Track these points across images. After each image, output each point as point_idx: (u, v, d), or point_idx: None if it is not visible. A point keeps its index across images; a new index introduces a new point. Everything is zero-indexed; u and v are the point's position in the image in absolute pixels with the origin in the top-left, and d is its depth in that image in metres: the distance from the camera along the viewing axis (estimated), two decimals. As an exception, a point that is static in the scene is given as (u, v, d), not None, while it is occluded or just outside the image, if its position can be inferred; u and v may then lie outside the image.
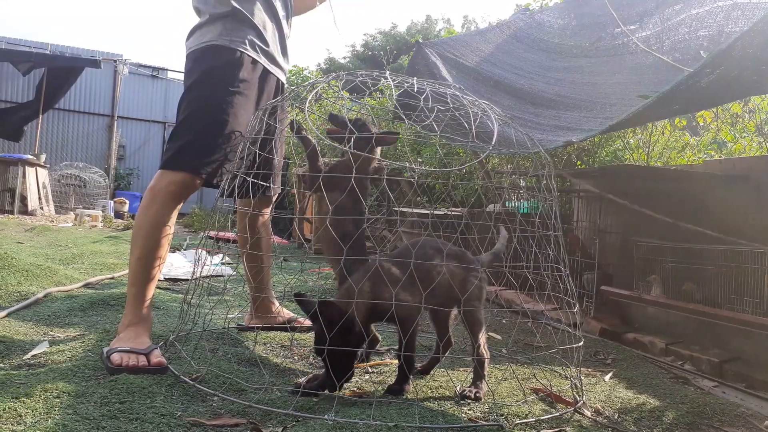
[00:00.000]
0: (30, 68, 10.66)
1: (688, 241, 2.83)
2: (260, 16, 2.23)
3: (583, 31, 4.68)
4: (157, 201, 2.01)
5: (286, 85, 2.48)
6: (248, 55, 2.16)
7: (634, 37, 4.13)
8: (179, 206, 2.06)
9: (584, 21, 4.69)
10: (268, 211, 2.51)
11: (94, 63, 11.23)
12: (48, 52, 12.41)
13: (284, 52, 2.40)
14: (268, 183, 2.30)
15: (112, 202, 10.96)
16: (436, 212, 3.56)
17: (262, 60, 2.23)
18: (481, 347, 1.80)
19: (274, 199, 2.54)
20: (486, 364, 1.80)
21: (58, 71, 10.92)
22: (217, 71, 2.11)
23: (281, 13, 2.35)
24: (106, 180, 11.85)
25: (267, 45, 2.26)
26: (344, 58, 26.02)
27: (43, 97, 10.74)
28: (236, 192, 2.07)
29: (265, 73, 2.25)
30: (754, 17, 3.09)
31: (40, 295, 2.79)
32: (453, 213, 4.00)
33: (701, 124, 5.06)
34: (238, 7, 2.17)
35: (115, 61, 13.69)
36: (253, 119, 2.08)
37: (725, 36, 3.27)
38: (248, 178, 1.96)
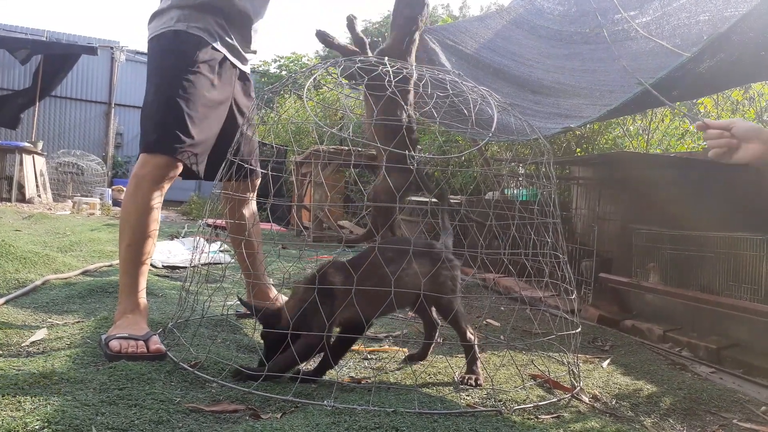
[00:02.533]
0: (28, 57, 10.60)
1: (688, 229, 2.83)
2: (224, 5, 2.19)
3: (583, 18, 4.64)
4: (142, 187, 2.01)
5: (250, 77, 2.46)
6: (206, 40, 2.14)
7: (635, 23, 4.10)
8: (164, 190, 2.06)
9: (584, 7, 4.66)
10: (253, 196, 2.50)
11: (91, 50, 11.16)
12: (44, 39, 12.32)
13: (249, 42, 2.36)
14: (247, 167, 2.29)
15: (110, 189, 10.94)
16: (434, 200, 3.55)
17: (222, 49, 2.20)
18: (467, 333, 1.81)
19: (257, 183, 2.54)
20: (476, 347, 1.81)
21: (55, 58, 10.85)
22: (175, 53, 2.10)
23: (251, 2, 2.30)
24: (104, 168, 11.82)
25: (230, 36, 2.23)
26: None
27: (39, 84, 10.67)
28: (222, 176, 2.07)
29: (224, 59, 2.22)
30: (753, 1, 3.07)
31: (38, 282, 2.79)
32: (452, 200, 4.00)
33: (701, 111, 5.04)
34: None
35: (111, 48, 13.61)
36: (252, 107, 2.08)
37: (725, 21, 3.25)
38: (238, 161, 1.98)
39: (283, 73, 16.45)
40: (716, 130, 1.59)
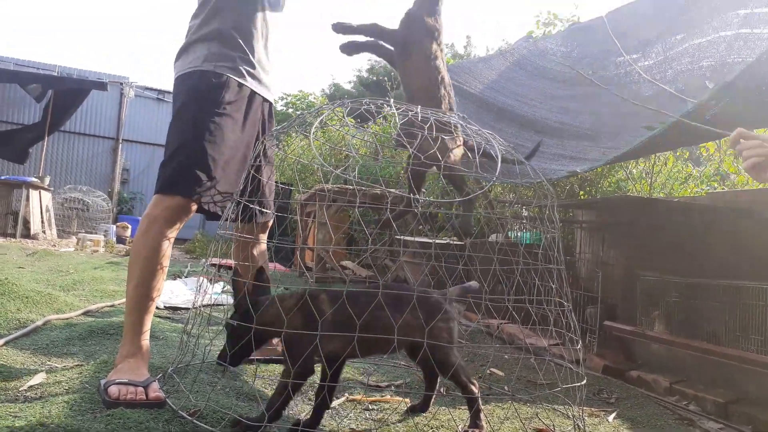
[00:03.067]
0: (42, 94, 10.77)
1: (692, 275, 2.80)
2: (247, 36, 2.22)
3: (585, 60, 4.70)
4: (154, 227, 2.01)
5: (273, 105, 2.47)
6: (234, 79, 2.16)
7: (637, 66, 4.15)
8: (176, 231, 2.06)
9: (587, 50, 4.72)
10: (264, 238, 2.49)
11: (101, 85, 11.33)
12: (56, 74, 12.54)
13: (269, 68, 2.36)
14: (262, 208, 2.30)
15: (115, 226, 10.96)
16: (438, 241, 3.54)
17: (249, 82, 2.22)
18: (468, 385, 1.74)
19: (270, 224, 2.53)
20: (479, 399, 1.76)
21: (65, 93, 11.02)
22: (203, 94, 2.11)
23: (270, 28, 2.33)
24: (109, 204, 11.87)
25: (253, 66, 2.24)
26: (349, 82, 26.23)
27: (49, 118, 10.82)
28: (238, 217, 2.07)
29: (252, 94, 2.25)
30: (757, 48, 3.11)
31: (39, 323, 2.77)
32: (455, 243, 3.99)
33: (704, 154, 5.06)
34: (224, 27, 2.16)
35: (121, 83, 13.82)
36: (258, 145, 2.10)
37: (728, 67, 3.28)
38: (244, 202, 1.98)
39: (290, 110, 16.66)
40: (754, 140, 1.50)
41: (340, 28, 2.44)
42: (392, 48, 2.52)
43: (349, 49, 2.53)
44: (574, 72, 4.71)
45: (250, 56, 2.23)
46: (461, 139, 2.33)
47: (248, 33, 2.22)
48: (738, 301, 2.45)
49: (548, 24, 6.59)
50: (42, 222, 9.54)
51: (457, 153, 2.39)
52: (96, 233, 9.83)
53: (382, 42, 2.51)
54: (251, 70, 2.23)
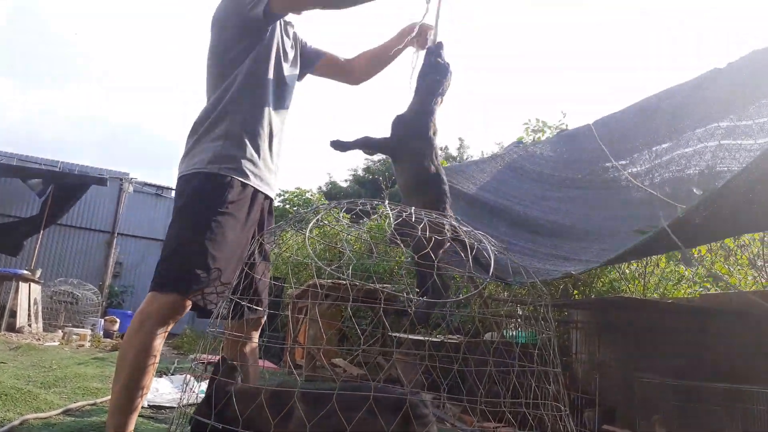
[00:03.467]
0: (43, 190, 10.93)
1: (690, 377, 2.75)
2: (254, 135, 2.26)
3: (574, 164, 4.84)
4: (146, 325, 1.97)
5: (275, 201, 2.49)
6: (238, 179, 2.18)
7: (626, 172, 4.27)
8: (168, 330, 2.02)
9: (575, 155, 4.87)
10: (256, 336, 2.44)
11: (101, 181, 11.55)
12: (58, 170, 12.79)
13: (273, 167, 2.40)
14: (254, 305, 2.27)
15: (103, 320, 10.77)
16: (432, 339, 3.49)
17: (252, 181, 2.24)
18: None
19: (262, 322, 2.49)
20: None
21: (66, 188, 11.19)
22: (206, 194, 2.13)
23: (276, 128, 2.37)
24: (99, 297, 11.72)
25: (258, 166, 2.27)
26: (345, 181, 26.80)
27: (47, 212, 10.91)
28: (229, 314, 2.03)
29: (255, 192, 2.27)
30: (740, 157, 3.23)
31: (15, 423, 2.65)
32: (450, 341, 3.92)
33: (695, 255, 5.11)
34: (232, 127, 2.21)
35: (121, 179, 14.07)
36: (252, 244, 2.10)
37: (714, 174, 3.39)
38: (236, 299, 1.94)
39: (287, 206, 16.88)
40: None
41: (336, 145, 2.53)
42: (381, 148, 2.58)
43: (341, 147, 2.59)
44: (564, 175, 4.85)
45: (256, 156, 2.26)
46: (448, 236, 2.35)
47: (255, 133, 2.27)
48: (739, 405, 2.39)
49: (537, 130, 6.84)
50: (29, 315, 9.37)
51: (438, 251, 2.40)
52: (84, 327, 9.62)
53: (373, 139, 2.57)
54: (255, 170, 2.26)
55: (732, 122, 3.26)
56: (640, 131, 4.16)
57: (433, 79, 2.49)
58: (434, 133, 2.47)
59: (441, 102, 2.54)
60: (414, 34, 2.61)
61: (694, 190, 3.21)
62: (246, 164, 2.22)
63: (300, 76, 2.63)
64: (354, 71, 2.76)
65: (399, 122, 2.49)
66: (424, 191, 2.40)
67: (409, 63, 2.63)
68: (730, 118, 3.34)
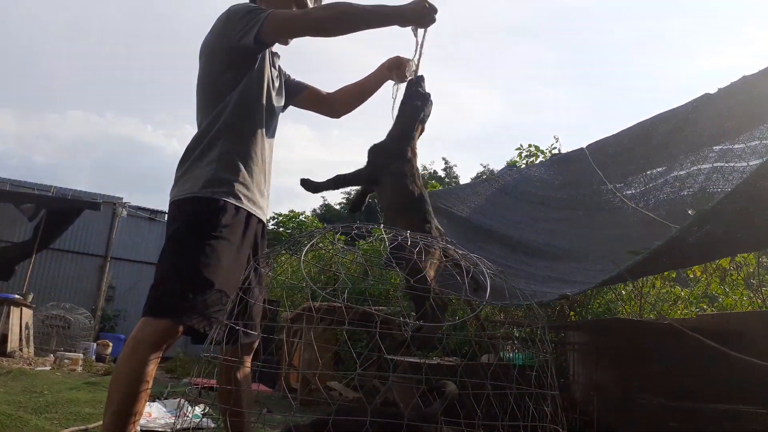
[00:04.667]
0: (35, 213, 10.87)
1: (690, 400, 2.73)
2: (247, 160, 2.26)
3: (568, 187, 4.87)
4: (139, 352, 1.94)
5: (266, 225, 2.48)
6: (231, 203, 2.18)
7: (621, 194, 4.30)
8: (161, 355, 2.00)
9: (569, 177, 4.90)
10: (248, 361, 2.41)
11: (95, 206, 11.50)
12: (51, 194, 12.74)
13: (265, 190, 2.41)
14: (248, 330, 2.25)
15: (95, 344, 10.65)
16: (429, 362, 3.46)
17: (245, 205, 2.23)
18: None
19: (255, 346, 2.46)
20: None
21: (58, 212, 11.14)
22: (199, 218, 2.12)
23: (267, 153, 2.38)
24: (92, 321, 11.60)
25: (251, 190, 2.27)
26: (339, 204, 26.85)
27: (39, 237, 10.84)
28: (224, 339, 2.01)
29: (248, 216, 2.26)
30: (733, 179, 3.27)
31: (5, 450, 2.62)
32: (446, 363, 3.89)
33: (690, 276, 5.12)
34: (225, 151, 2.21)
35: (114, 203, 14.03)
36: (247, 268, 2.09)
37: (708, 195, 3.42)
38: (231, 323, 1.92)
39: (281, 229, 16.87)
40: None
41: (307, 185, 2.49)
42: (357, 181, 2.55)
43: (312, 188, 2.55)
44: (559, 196, 4.88)
45: (249, 179, 2.26)
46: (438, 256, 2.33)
47: (248, 158, 2.27)
48: (740, 427, 2.37)
49: (531, 155, 6.89)
50: (20, 340, 9.26)
51: (431, 273, 2.38)
52: (76, 351, 9.51)
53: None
54: (248, 194, 2.26)
55: (725, 146, 3.31)
56: (633, 155, 4.21)
57: (413, 105, 2.51)
58: (414, 156, 2.47)
59: (421, 130, 2.56)
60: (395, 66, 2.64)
61: (689, 212, 3.23)
62: (239, 188, 2.23)
63: (284, 107, 2.65)
64: (335, 104, 2.80)
65: (375, 149, 2.47)
66: (410, 211, 2.38)
67: (390, 95, 2.66)
68: (723, 142, 3.39)
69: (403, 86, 2.59)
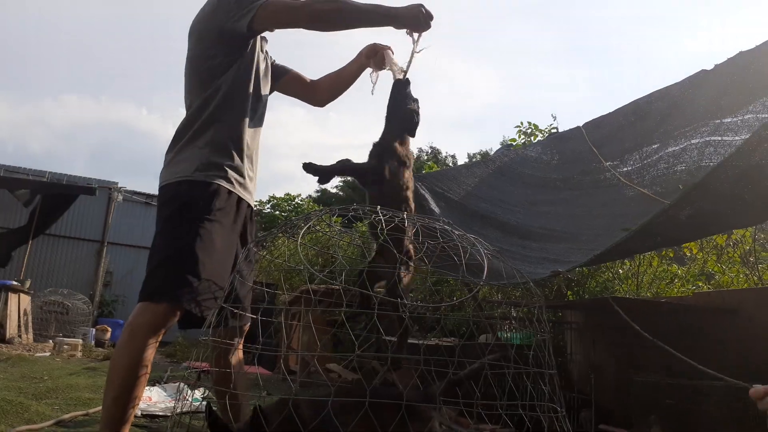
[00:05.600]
0: (30, 199, 10.83)
1: (686, 377, 2.75)
2: (238, 145, 2.27)
3: (565, 165, 4.86)
4: (137, 337, 1.95)
5: (255, 209, 2.49)
6: (224, 186, 2.19)
7: (616, 172, 4.30)
8: (159, 340, 2.00)
9: (566, 157, 4.89)
10: (240, 342, 2.42)
11: (90, 190, 11.45)
12: (45, 180, 12.67)
13: (253, 175, 2.42)
14: (238, 312, 2.25)
15: (94, 329, 10.67)
16: (427, 343, 3.47)
17: (237, 189, 2.25)
18: None
19: (246, 329, 2.47)
20: None
21: (54, 198, 11.09)
22: (193, 201, 2.13)
23: (255, 139, 2.39)
24: (90, 307, 11.61)
25: (242, 175, 2.29)
26: (335, 187, 26.79)
27: (35, 222, 10.80)
28: (221, 323, 2.01)
29: (239, 200, 2.28)
30: (724, 153, 3.26)
31: (7, 435, 2.63)
32: (444, 343, 3.92)
33: (687, 255, 5.14)
34: (218, 136, 2.22)
35: (110, 188, 13.97)
36: (242, 252, 2.09)
37: (702, 170, 3.42)
38: (225, 306, 1.93)
39: (277, 212, 16.86)
40: None
41: (311, 170, 2.46)
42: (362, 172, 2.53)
43: (317, 173, 2.54)
44: (555, 176, 4.87)
45: (240, 164, 2.28)
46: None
47: (239, 142, 2.28)
48: (735, 403, 2.39)
49: (529, 134, 6.87)
50: (19, 326, 9.27)
51: (406, 281, 2.36)
52: (75, 336, 9.53)
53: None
54: (239, 178, 2.27)
55: (719, 120, 3.29)
56: (629, 133, 4.20)
57: (411, 110, 2.48)
58: (408, 158, 2.45)
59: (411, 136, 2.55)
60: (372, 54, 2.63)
61: (680, 187, 3.23)
62: (231, 172, 2.24)
63: (270, 91, 2.64)
64: (318, 92, 2.79)
65: (376, 149, 2.45)
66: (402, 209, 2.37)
67: (368, 81, 2.65)
68: (717, 116, 3.38)
69: (381, 73, 2.59)
